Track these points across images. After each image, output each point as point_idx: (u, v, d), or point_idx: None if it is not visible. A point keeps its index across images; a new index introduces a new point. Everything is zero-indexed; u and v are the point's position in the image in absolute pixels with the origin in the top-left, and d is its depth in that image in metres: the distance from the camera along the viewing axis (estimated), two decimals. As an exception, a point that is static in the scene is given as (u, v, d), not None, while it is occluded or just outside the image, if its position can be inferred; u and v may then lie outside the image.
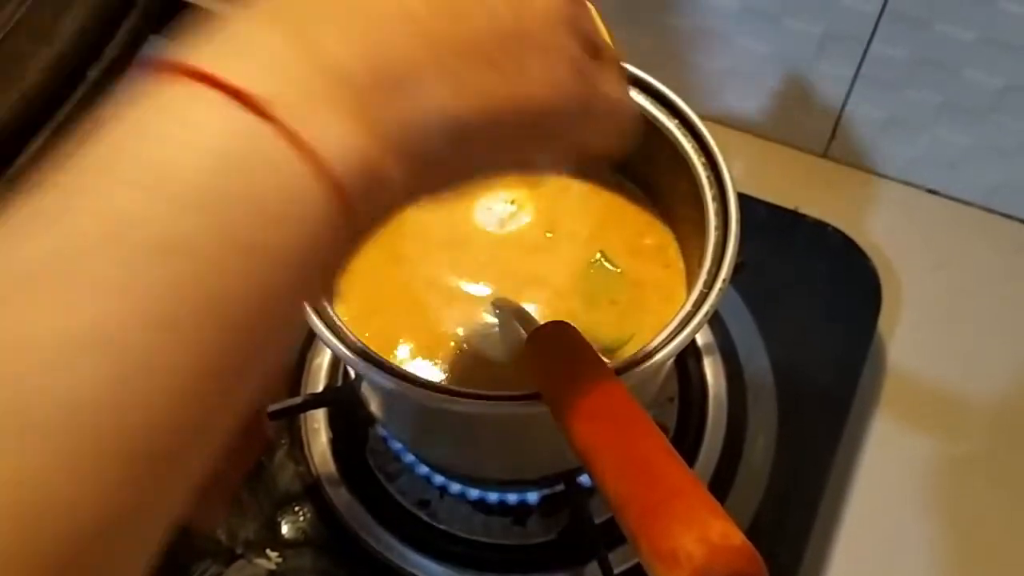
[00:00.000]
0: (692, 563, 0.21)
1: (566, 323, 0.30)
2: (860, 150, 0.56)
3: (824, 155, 0.57)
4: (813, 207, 0.52)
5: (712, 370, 0.45)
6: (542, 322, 0.31)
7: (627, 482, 0.23)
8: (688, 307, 0.32)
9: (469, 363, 0.36)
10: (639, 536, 0.22)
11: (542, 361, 0.29)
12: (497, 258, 0.38)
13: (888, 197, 0.56)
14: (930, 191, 0.55)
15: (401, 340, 0.36)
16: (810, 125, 0.56)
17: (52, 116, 0.44)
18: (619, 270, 0.38)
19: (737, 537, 0.22)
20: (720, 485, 0.43)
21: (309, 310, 0.32)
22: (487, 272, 0.38)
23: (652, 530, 0.22)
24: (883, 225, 0.54)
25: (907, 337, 0.50)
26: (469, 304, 0.37)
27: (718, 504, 0.23)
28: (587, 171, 0.40)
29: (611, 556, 0.38)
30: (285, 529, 0.42)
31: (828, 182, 0.56)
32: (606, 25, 0.27)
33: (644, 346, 0.31)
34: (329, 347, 0.31)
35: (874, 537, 0.45)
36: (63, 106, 0.45)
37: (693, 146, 0.36)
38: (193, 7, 0.61)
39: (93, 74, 0.46)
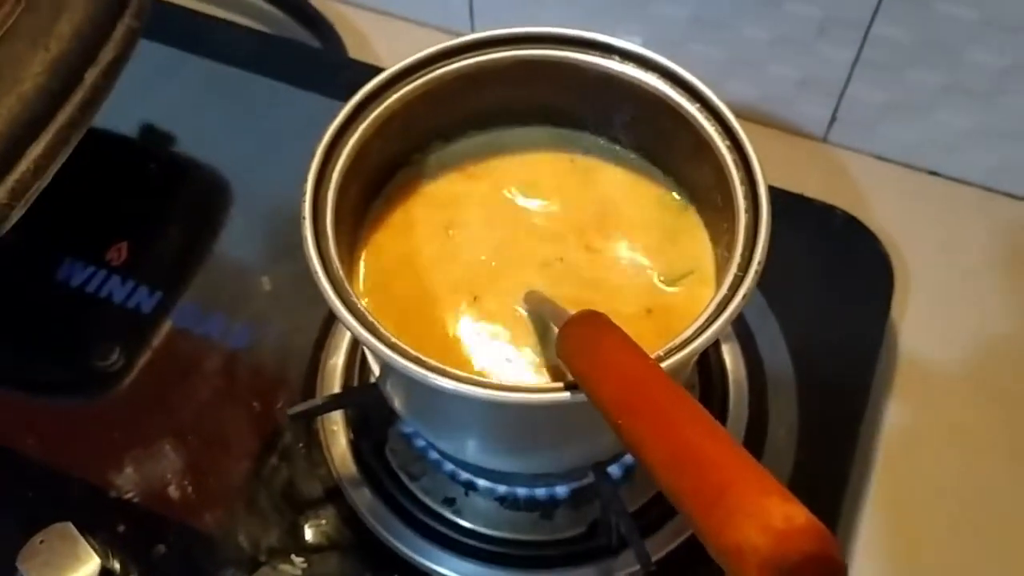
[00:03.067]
0: (759, 556, 0.20)
1: (597, 312, 0.29)
2: (861, 134, 0.56)
3: (825, 140, 0.57)
4: (815, 192, 0.52)
5: (731, 358, 0.45)
6: (572, 312, 0.31)
7: (679, 476, 0.23)
8: (724, 291, 0.32)
9: (504, 354, 0.35)
10: (702, 534, 0.22)
11: (577, 352, 0.28)
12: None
13: (890, 180, 0.56)
14: (931, 172, 0.56)
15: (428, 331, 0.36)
16: (810, 110, 0.56)
17: (51, 119, 0.43)
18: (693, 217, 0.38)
19: (801, 516, 0.21)
20: (745, 472, 0.42)
21: (335, 301, 0.31)
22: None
23: (712, 526, 0.21)
24: (886, 208, 0.54)
25: (916, 319, 0.51)
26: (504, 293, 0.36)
27: (775, 482, 0.22)
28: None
29: (648, 544, 0.37)
30: (308, 534, 0.41)
31: (829, 167, 0.57)
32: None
33: (682, 333, 0.31)
34: (359, 339, 0.31)
35: (896, 523, 0.45)
36: (61, 109, 0.44)
37: (717, 130, 0.35)
38: (182, 10, 0.60)
39: (90, 77, 0.45)
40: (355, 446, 0.43)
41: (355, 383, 0.44)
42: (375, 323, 0.31)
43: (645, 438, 0.24)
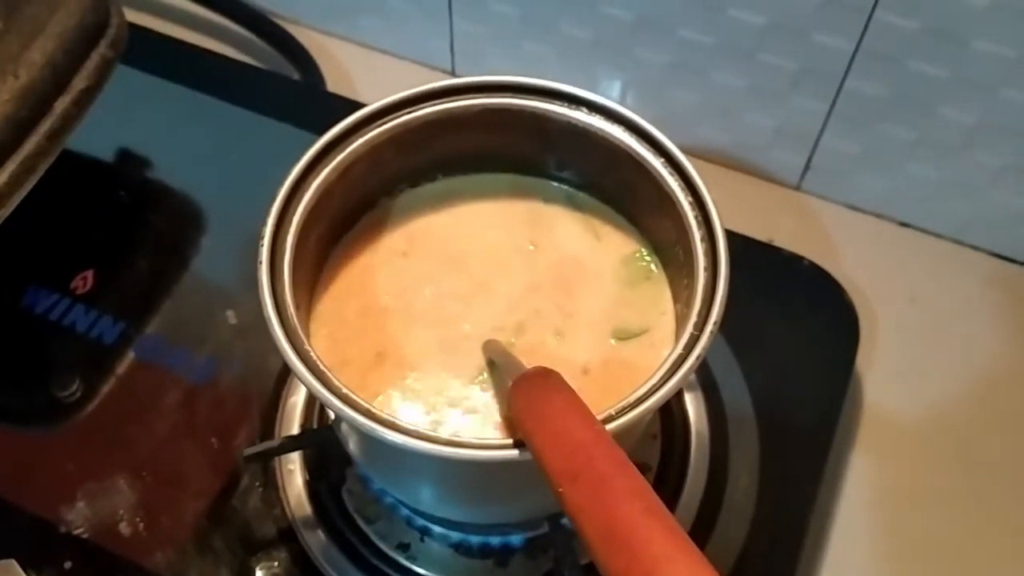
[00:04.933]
0: None
1: (550, 369, 0.29)
2: (834, 183, 0.56)
3: (798, 188, 0.57)
4: (786, 239, 0.53)
5: (694, 406, 0.45)
6: (526, 367, 0.30)
7: (612, 553, 0.22)
8: (679, 350, 0.32)
9: (462, 404, 0.35)
10: None
11: (525, 411, 0.28)
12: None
13: (861, 230, 0.56)
14: (902, 224, 0.56)
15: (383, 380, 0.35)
16: (785, 157, 0.56)
17: (18, 148, 0.43)
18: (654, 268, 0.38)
19: None
20: (704, 523, 0.42)
21: (287, 350, 0.31)
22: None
23: None
24: (856, 257, 0.54)
25: (882, 371, 0.51)
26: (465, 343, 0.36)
27: (707, 566, 0.22)
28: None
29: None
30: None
31: (801, 214, 0.57)
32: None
33: (634, 391, 0.31)
34: (310, 389, 0.30)
35: (858, 571, 0.45)
36: (28, 138, 0.44)
37: (680, 185, 0.35)
38: (162, 37, 0.60)
39: (61, 105, 0.45)
40: (311, 487, 0.42)
41: (315, 423, 0.44)
42: (326, 372, 0.31)
43: (583, 507, 0.24)
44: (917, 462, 0.48)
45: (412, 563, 0.41)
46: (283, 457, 0.43)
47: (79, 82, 0.45)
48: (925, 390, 0.50)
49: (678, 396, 0.45)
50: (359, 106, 0.36)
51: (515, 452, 0.29)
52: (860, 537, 0.46)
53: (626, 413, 0.30)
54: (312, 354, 0.31)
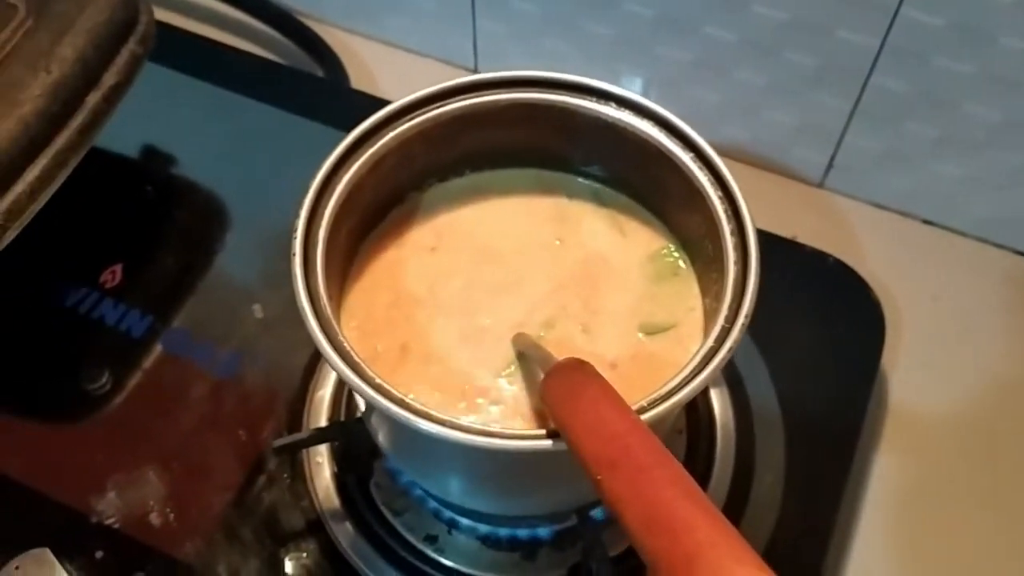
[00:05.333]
0: None
1: (583, 360, 0.29)
2: (858, 181, 0.56)
3: (821, 185, 0.57)
4: (810, 237, 0.53)
5: (719, 402, 0.45)
6: (558, 359, 0.31)
7: (653, 537, 0.23)
8: (710, 343, 0.32)
9: (491, 395, 0.35)
10: None
11: (559, 401, 0.28)
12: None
13: (885, 227, 0.56)
14: (926, 222, 0.56)
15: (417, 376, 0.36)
16: (808, 156, 0.56)
17: (50, 142, 0.43)
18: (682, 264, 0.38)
19: None
20: (730, 519, 0.42)
21: (322, 340, 0.31)
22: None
23: None
24: (880, 255, 0.54)
25: (907, 368, 0.51)
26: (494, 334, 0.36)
27: (751, 551, 0.22)
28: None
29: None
30: (289, 567, 0.41)
31: (824, 212, 0.57)
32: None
33: (665, 383, 0.31)
34: (345, 380, 0.31)
35: (883, 571, 0.45)
36: (60, 133, 0.44)
37: (709, 180, 0.35)
38: (188, 35, 0.60)
39: (91, 100, 0.45)
40: (339, 479, 0.43)
41: (342, 416, 0.44)
42: (360, 363, 0.31)
43: (622, 495, 0.24)
44: (942, 459, 0.48)
45: (440, 555, 0.41)
46: (311, 450, 0.43)
47: (109, 78, 0.46)
48: (950, 387, 0.50)
49: (704, 392, 0.45)
50: (383, 103, 0.37)
51: (549, 442, 0.29)
52: (885, 534, 0.46)
53: (658, 405, 0.30)
54: (346, 345, 0.32)
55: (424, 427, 0.30)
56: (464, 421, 0.30)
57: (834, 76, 0.51)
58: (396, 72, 0.62)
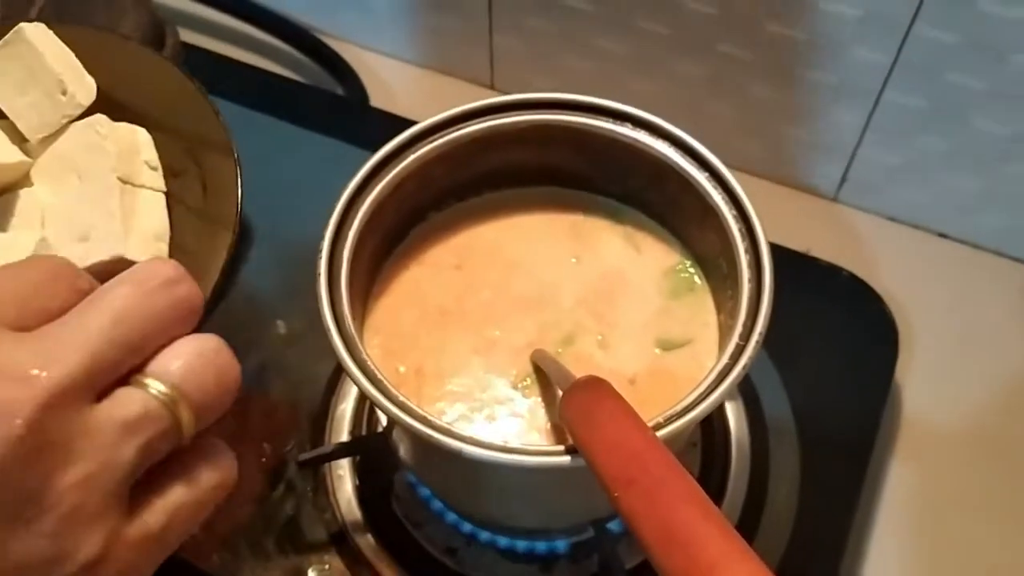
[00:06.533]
0: None
1: (601, 378, 0.30)
2: (872, 194, 0.57)
3: (835, 199, 0.58)
4: (824, 250, 0.53)
5: (734, 415, 0.46)
6: (576, 376, 0.31)
7: (669, 554, 0.23)
8: (725, 360, 0.32)
9: (509, 410, 0.36)
10: None
11: (578, 418, 0.29)
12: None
13: (899, 240, 0.56)
14: (940, 235, 0.56)
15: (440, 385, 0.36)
16: (822, 169, 0.57)
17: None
18: (697, 280, 0.39)
19: None
20: (745, 532, 0.43)
21: (347, 359, 0.32)
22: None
23: None
24: (894, 268, 0.55)
25: (921, 381, 0.51)
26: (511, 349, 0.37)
27: (761, 566, 0.22)
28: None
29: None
30: (312, 578, 0.42)
31: (839, 225, 0.57)
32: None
33: (681, 400, 0.32)
34: (368, 397, 0.32)
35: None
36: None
37: (724, 198, 0.36)
38: (212, 55, 0.62)
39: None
40: (361, 492, 0.44)
41: (363, 430, 0.45)
42: (383, 380, 0.32)
43: (639, 512, 0.24)
44: (957, 471, 0.48)
45: (459, 567, 0.42)
46: (334, 464, 0.44)
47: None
48: (964, 400, 0.50)
49: (719, 405, 0.46)
50: (402, 121, 0.37)
51: (567, 458, 0.30)
52: (900, 546, 0.46)
53: (674, 422, 0.31)
54: (369, 363, 0.33)
55: (446, 443, 0.30)
56: (484, 437, 0.31)
57: (848, 92, 0.52)
58: (415, 89, 0.63)
